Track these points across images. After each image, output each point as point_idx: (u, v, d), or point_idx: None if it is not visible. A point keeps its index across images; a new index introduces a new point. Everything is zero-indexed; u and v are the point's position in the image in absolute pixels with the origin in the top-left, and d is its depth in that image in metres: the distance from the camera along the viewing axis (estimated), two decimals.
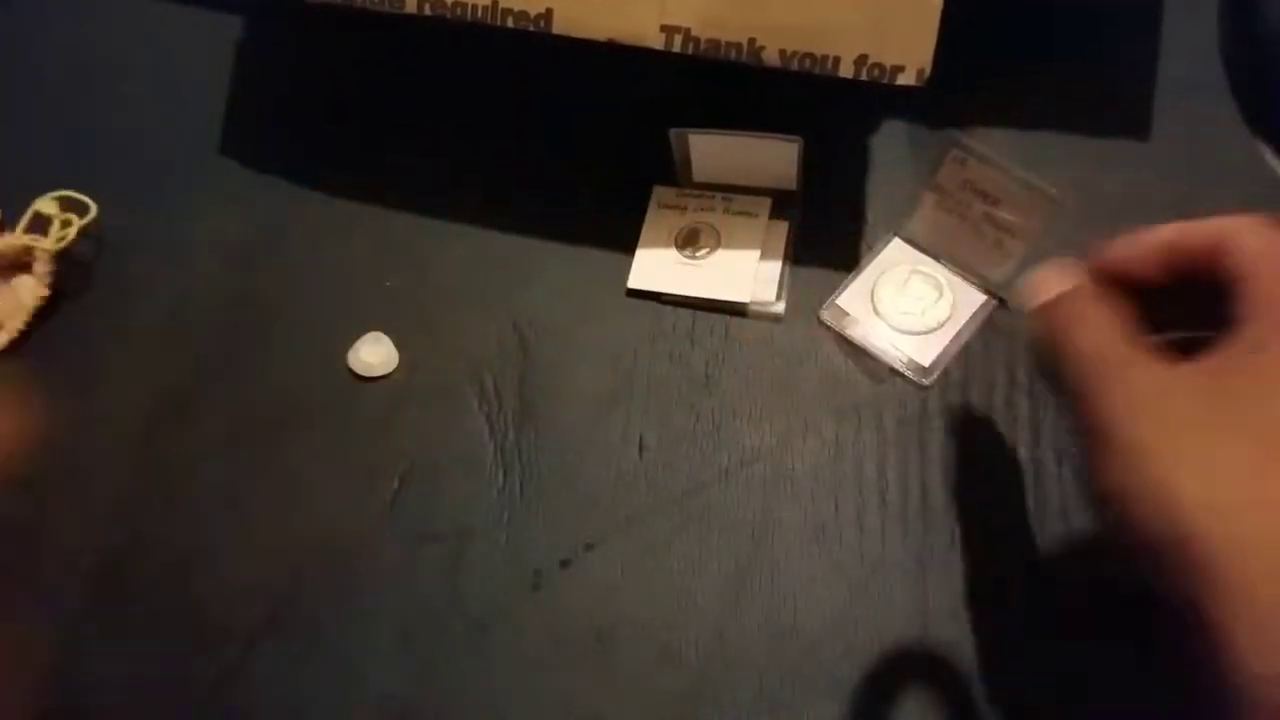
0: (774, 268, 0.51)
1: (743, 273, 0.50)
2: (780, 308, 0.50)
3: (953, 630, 0.43)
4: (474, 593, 0.45)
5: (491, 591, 0.45)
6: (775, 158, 0.49)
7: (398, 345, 0.51)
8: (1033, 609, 0.43)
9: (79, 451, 0.49)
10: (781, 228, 0.51)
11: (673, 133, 0.50)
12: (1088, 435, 0.32)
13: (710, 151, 0.51)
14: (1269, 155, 0.28)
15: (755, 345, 0.50)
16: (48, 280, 0.53)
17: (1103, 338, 0.33)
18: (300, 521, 0.48)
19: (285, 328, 0.52)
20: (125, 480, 0.49)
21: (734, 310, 0.50)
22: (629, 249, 0.52)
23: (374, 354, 0.51)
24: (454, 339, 0.51)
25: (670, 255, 0.51)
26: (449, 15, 0.45)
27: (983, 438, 0.47)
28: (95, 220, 0.54)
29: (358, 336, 0.51)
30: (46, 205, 0.53)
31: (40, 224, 0.54)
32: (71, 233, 0.53)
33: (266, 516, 0.48)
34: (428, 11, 0.45)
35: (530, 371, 0.50)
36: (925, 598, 0.44)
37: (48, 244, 0.53)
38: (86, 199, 0.54)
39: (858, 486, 0.46)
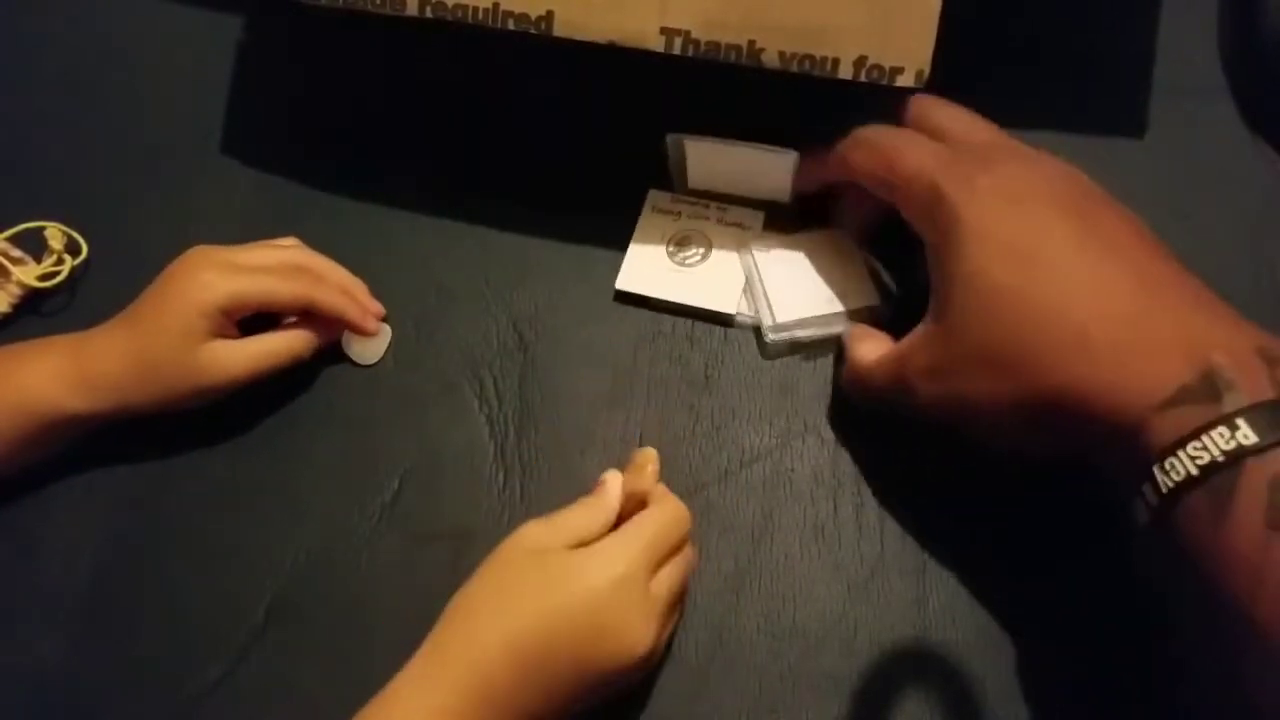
0: None
1: (731, 283, 0.50)
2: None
3: (953, 630, 0.43)
4: None
5: None
6: (771, 169, 0.49)
7: (398, 345, 0.51)
8: (1033, 609, 0.43)
9: (77, 450, 0.49)
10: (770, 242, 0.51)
11: (669, 138, 0.50)
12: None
13: (706, 158, 0.50)
14: (1269, 155, 0.28)
15: (754, 346, 0.50)
16: (12, 302, 0.53)
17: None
18: (300, 521, 0.48)
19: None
20: (125, 480, 0.49)
21: (720, 320, 0.50)
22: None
23: (363, 342, 0.51)
24: (454, 339, 0.51)
25: (661, 260, 0.51)
26: (450, 17, 0.45)
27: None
28: (84, 260, 0.54)
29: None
30: (52, 236, 0.53)
31: (28, 237, 0.53)
32: (62, 272, 0.53)
33: (267, 516, 0.48)
34: (429, 14, 0.45)
35: (530, 371, 0.50)
36: (925, 598, 0.44)
37: (31, 275, 0.53)
38: (80, 239, 0.54)
39: (857, 486, 0.46)
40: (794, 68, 0.43)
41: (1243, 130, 0.34)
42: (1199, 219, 0.50)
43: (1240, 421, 0.32)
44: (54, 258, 0.53)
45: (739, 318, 0.50)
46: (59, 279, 0.53)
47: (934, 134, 0.43)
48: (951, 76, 0.43)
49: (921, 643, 0.43)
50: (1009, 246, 0.38)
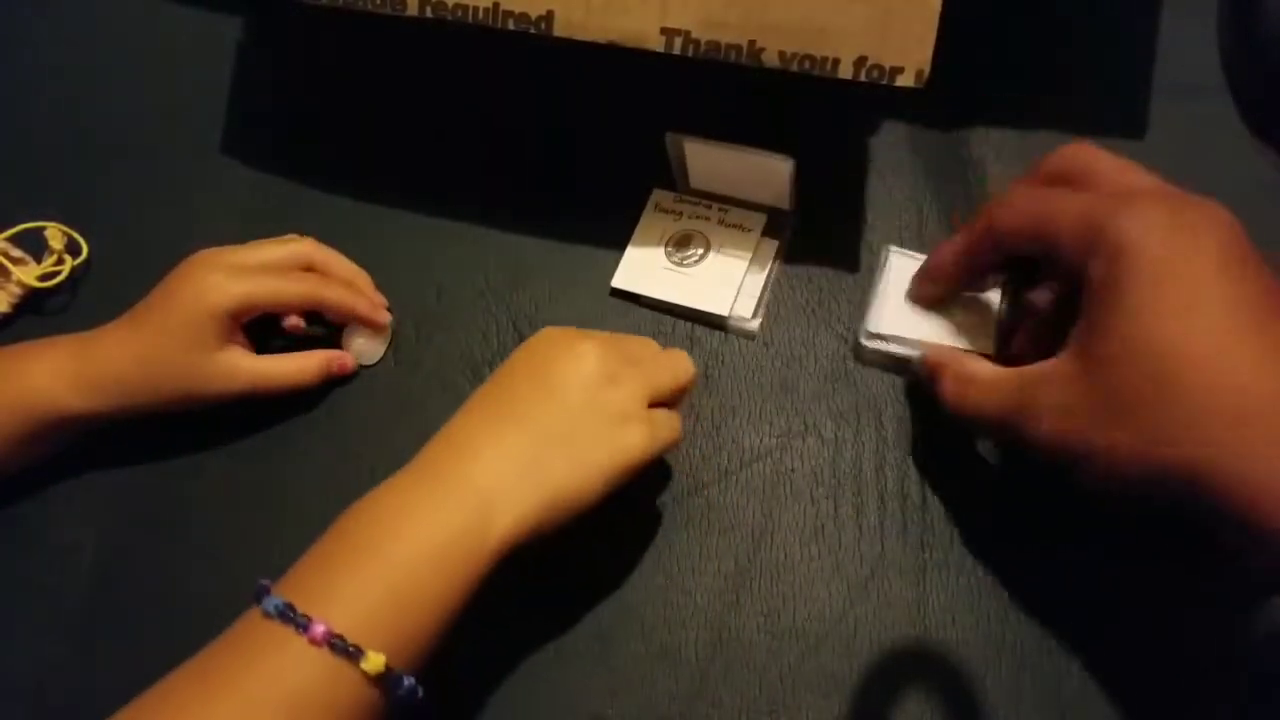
0: (757, 285, 0.51)
1: (726, 286, 0.50)
2: (755, 325, 0.50)
3: (953, 630, 0.43)
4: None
5: (490, 591, 0.45)
6: (768, 174, 0.49)
7: (398, 345, 0.51)
8: (1033, 609, 0.43)
9: (77, 451, 0.49)
10: (771, 246, 0.51)
11: (669, 136, 0.50)
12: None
13: (705, 159, 0.50)
14: (1269, 155, 0.28)
15: (755, 346, 0.50)
16: (12, 302, 0.53)
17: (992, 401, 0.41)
18: (300, 521, 0.48)
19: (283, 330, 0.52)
20: (125, 480, 0.49)
21: (712, 323, 0.50)
22: None
23: (367, 338, 0.51)
24: (454, 338, 0.51)
25: (659, 260, 0.51)
26: (450, 17, 0.45)
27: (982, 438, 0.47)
28: (85, 260, 0.54)
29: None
30: (52, 236, 0.53)
31: (29, 237, 0.53)
32: (63, 272, 0.53)
33: (267, 516, 0.48)
34: (429, 14, 0.45)
35: None
36: (925, 598, 0.44)
37: (31, 275, 0.53)
38: (80, 239, 0.54)
39: (857, 486, 0.46)
40: (794, 68, 0.43)
41: (1243, 130, 0.34)
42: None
43: None
44: (54, 258, 0.53)
45: (732, 321, 0.50)
46: (59, 279, 0.53)
47: (1081, 181, 0.40)
48: (951, 77, 0.43)
49: (921, 643, 0.43)
50: (1179, 287, 0.35)
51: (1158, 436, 0.35)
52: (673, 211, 0.53)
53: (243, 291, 0.47)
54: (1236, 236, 0.37)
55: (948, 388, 0.42)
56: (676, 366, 0.44)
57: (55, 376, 0.46)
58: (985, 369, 0.42)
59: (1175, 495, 0.35)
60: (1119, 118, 0.53)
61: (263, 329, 0.49)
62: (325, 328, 0.51)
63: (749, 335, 0.50)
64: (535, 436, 0.39)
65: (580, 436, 0.39)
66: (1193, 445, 0.34)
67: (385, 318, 0.51)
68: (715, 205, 0.52)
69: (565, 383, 0.40)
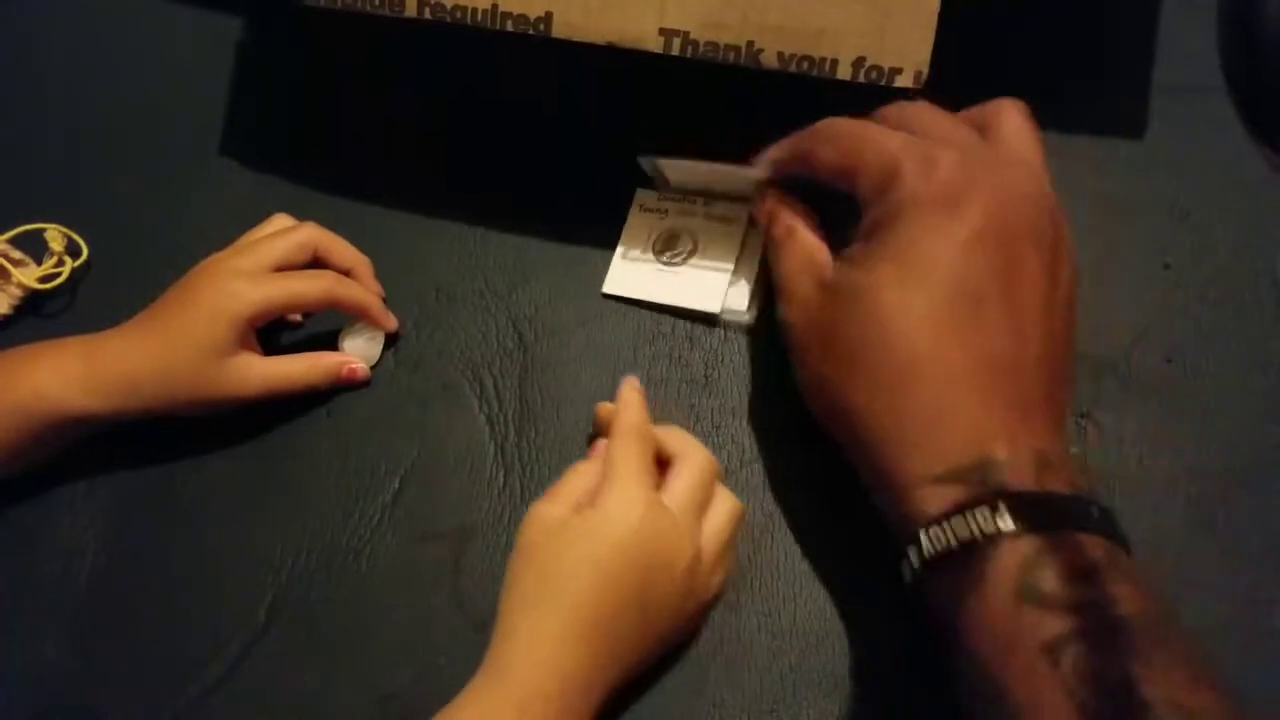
0: (748, 277, 0.50)
1: (717, 280, 0.50)
2: (749, 317, 0.50)
3: None
4: (474, 593, 0.46)
5: (491, 592, 0.45)
6: (747, 186, 0.49)
7: (398, 345, 0.51)
8: None
9: (78, 451, 0.49)
10: (758, 236, 0.51)
11: (642, 160, 0.50)
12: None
13: (683, 174, 0.51)
14: (1269, 155, 0.28)
15: (754, 345, 0.50)
16: (12, 304, 0.53)
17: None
18: (300, 521, 0.48)
19: (285, 327, 0.52)
20: (125, 480, 0.49)
21: (705, 319, 0.50)
22: None
23: (364, 340, 0.51)
24: (454, 339, 0.51)
25: (647, 261, 0.51)
26: (449, 19, 0.45)
27: None
28: (85, 262, 0.54)
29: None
30: (52, 238, 0.53)
31: (29, 239, 0.53)
32: (63, 274, 0.53)
33: (266, 516, 0.48)
34: (428, 15, 0.45)
35: (530, 371, 0.50)
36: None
37: (31, 277, 0.53)
38: (80, 241, 0.54)
39: (857, 486, 0.46)
40: (792, 69, 0.44)
41: (1243, 130, 0.34)
42: (1199, 219, 0.50)
43: (1001, 506, 0.35)
44: (54, 259, 0.53)
45: (726, 315, 0.50)
46: (59, 280, 0.53)
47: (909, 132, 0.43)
48: (950, 77, 0.43)
49: (921, 643, 0.43)
50: (918, 256, 0.39)
51: (851, 383, 0.40)
52: (657, 210, 0.53)
53: (263, 297, 0.47)
54: (1019, 210, 0.40)
55: (776, 230, 0.46)
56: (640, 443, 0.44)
57: (63, 378, 0.46)
58: (806, 234, 0.45)
59: (846, 440, 0.41)
60: (1119, 118, 0.53)
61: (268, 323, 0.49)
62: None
63: (745, 327, 0.50)
64: (613, 597, 0.40)
65: (648, 575, 0.40)
66: (867, 398, 0.39)
67: (394, 323, 0.51)
68: (700, 200, 0.52)
69: (622, 542, 0.40)
